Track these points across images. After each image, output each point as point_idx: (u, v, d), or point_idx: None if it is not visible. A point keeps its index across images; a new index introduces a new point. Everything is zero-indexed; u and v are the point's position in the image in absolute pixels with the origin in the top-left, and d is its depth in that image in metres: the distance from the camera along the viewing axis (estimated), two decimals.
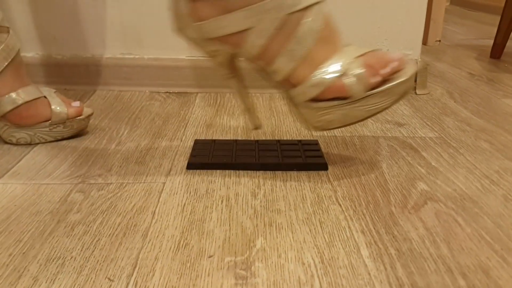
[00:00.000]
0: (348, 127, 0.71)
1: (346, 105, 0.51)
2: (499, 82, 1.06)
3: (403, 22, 0.90)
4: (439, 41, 1.26)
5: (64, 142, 0.65)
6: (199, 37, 0.51)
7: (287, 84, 0.52)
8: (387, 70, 0.50)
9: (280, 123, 0.74)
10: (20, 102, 0.61)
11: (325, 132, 0.70)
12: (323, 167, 0.57)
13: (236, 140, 0.63)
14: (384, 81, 0.51)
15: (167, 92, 0.90)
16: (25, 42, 0.88)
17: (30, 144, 0.63)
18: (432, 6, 1.20)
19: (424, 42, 1.28)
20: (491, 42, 1.35)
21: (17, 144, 0.63)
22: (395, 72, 0.51)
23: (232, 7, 0.48)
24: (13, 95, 0.61)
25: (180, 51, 0.90)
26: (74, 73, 0.90)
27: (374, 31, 0.90)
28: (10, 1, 0.86)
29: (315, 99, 0.51)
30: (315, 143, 0.63)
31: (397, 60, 0.51)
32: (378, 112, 0.52)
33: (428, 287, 0.37)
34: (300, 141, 0.64)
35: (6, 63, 0.61)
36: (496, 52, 1.35)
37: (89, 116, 0.66)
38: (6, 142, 0.64)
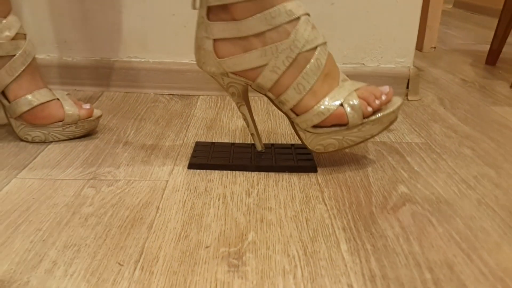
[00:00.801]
0: None
1: (343, 131, 0.59)
2: (490, 89, 1.10)
3: (396, 31, 0.95)
4: (434, 47, 1.30)
5: (76, 140, 0.70)
6: (219, 71, 0.58)
7: (293, 112, 0.59)
8: (378, 102, 0.59)
9: (276, 126, 0.79)
10: (35, 103, 0.67)
11: None
12: (313, 169, 0.62)
13: (233, 143, 0.68)
14: (375, 111, 0.59)
15: (171, 94, 0.95)
16: (38, 45, 0.93)
17: (44, 142, 0.69)
18: (428, 14, 1.24)
19: (420, 48, 1.32)
20: (488, 47, 1.39)
21: (32, 142, 0.69)
22: (384, 104, 0.60)
23: (251, 46, 0.56)
24: (29, 97, 0.67)
25: (183, 56, 0.95)
26: (83, 74, 0.95)
27: (369, 39, 0.95)
28: (25, 8, 0.91)
29: (317, 126, 0.59)
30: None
31: (386, 94, 0.60)
32: (368, 138, 0.61)
33: (397, 279, 0.42)
34: (293, 145, 0.69)
35: (23, 68, 0.66)
36: (492, 58, 1.39)
37: (98, 118, 0.72)
38: (22, 140, 0.69)
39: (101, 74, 0.95)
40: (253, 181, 0.60)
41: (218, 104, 0.91)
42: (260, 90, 0.59)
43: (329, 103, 0.57)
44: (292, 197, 0.56)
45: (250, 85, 0.59)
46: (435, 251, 0.47)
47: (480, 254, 0.47)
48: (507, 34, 1.35)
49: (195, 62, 0.94)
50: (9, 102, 0.67)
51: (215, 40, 0.57)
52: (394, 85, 0.97)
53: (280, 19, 0.54)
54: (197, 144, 0.68)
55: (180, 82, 0.95)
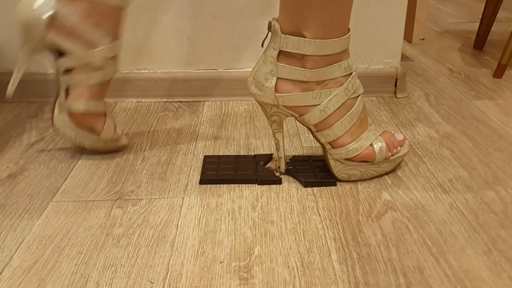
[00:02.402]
0: None
1: (367, 165, 0.70)
2: (474, 79, 1.18)
3: (384, 35, 1.02)
4: (423, 39, 1.37)
5: (99, 158, 0.79)
6: (273, 103, 0.67)
7: (330, 144, 0.69)
8: (397, 148, 0.72)
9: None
10: (89, 109, 0.74)
11: (313, 143, 0.84)
12: (333, 183, 0.71)
13: (237, 156, 0.77)
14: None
15: (179, 101, 1.03)
16: None
17: (74, 142, 0.77)
18: (416, 9, 1.30)
19: (409, 40, 1.39)
20: (478, 25, 1.44)
21: (62, 136, 0.76)
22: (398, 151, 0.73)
23: (309, 88, 0.65)
24: (86, 101, 0.73)
25: (188, 65, 1.02)
26: None
27: (359, 42, 1.02)
28: None
29: (348, 159, 0.69)
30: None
31: (402, 141, 0.73)
32: (382, 174, 0.73)
33: (377, 284, 0.52)
34: (310, 157, 0.78)
35: (102, 81, 0.74)
36: (479, 43, 1.45)
37: (124, 145, 0.81)
38: (51, 158, 0.78)
39: (114, 86, 1.02)
40: (257, 194, 0.69)
41: (223, 111, 0.99)
42: (304, 123, 0.69)
43: (362, 143, 0.68)
44: (291, 209, 0.65)
45: (296, 118, 0.69)
46: (410, 256, 0.56)
47: (446, 257, 0.56)
48: (492, 20, 1.40)
49: (199, 71, 1.03)
50: (65, 99, 0.73)
51: (279, 78, 0.65)
52: (383, 84, 1.05)
53: (340, 72, 0.65)
54: (206, 158, 0.77)
55: (187, 90, 1.03)
